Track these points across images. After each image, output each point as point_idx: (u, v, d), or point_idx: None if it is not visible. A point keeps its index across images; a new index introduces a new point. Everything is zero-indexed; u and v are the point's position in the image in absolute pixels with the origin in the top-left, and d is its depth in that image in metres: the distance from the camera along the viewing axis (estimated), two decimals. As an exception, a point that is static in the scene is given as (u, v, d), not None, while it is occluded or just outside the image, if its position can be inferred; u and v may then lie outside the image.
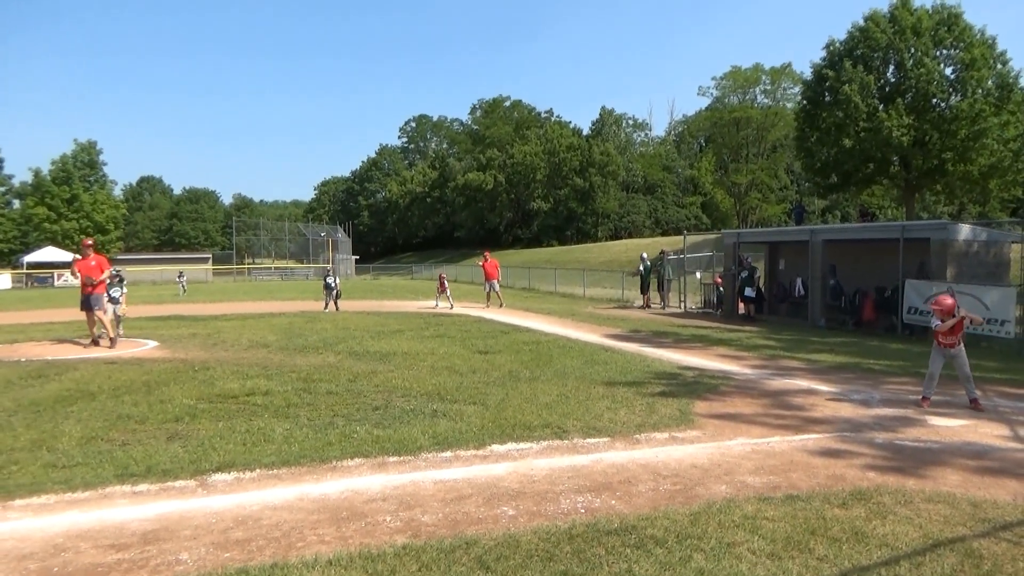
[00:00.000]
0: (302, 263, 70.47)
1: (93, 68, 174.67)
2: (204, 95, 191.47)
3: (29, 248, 60.40)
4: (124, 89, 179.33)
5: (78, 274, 12.16)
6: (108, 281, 12.50)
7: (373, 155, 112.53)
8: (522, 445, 5.74)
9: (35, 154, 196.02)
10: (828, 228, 23.92)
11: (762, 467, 5.24)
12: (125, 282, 13.99)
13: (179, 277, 36.15)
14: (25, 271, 50.56)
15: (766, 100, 69.86)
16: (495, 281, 23.25)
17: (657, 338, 14.01)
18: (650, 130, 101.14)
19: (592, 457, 5.45)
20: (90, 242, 12.93)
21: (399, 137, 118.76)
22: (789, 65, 66.30)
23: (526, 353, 11.10)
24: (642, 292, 23.53)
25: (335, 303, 20.32)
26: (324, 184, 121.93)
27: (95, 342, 12.11)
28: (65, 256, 54.95)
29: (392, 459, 5.34)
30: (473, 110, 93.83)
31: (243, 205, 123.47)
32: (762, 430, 6.44)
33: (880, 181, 39.75)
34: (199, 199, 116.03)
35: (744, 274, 19.27)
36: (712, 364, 10.58)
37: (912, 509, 4.35)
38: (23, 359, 10.54)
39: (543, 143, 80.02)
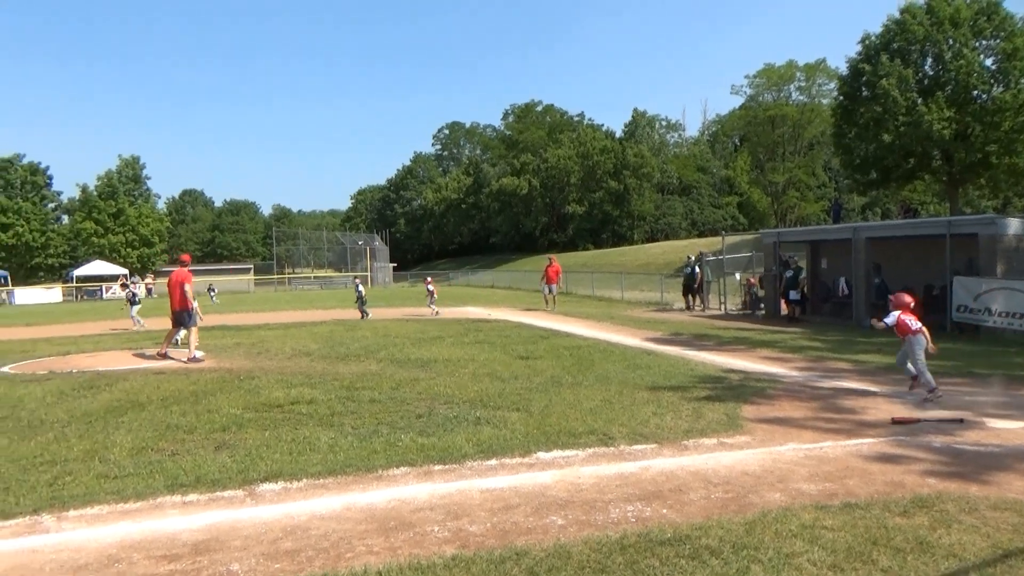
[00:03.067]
0: (340, 272, 71.21)
1: (135, 85, 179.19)
2: (241, 108, 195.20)
3: (78, 262, 62.08)
4: (165, 105, 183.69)
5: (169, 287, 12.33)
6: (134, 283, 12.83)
7: (408, 163, 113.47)
8: (568, 452, 5.67)
9: (82, 170, 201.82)
10: (871, 225, 23.41)
11: (816, 473, 5.09)
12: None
13: (210, 291, 37.36)
14: (75, 284, 51.93)
15: (801, 97, 68.55)
16: (554, 285, 23.37)
17: (699, 341, 13.81)
18: (683, 131, 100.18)
19: (640, 464, 5.35)
20: (187, 258, 13.17)
21: (433, 144, 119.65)
22: (823, 61, 65.01)
23: (567, 358, 11.02)
24: (685, 295, 23.30)
25: (361, 311, 20.46)
26: (360, 193, 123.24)
27: (164, 355, 12.10)
28: (112, 269, 56.45)
29: (437, 467, 5.31)
30: (506, 116, 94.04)
31: (282, 216, 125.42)
32: (813, 435, 6.28)
33: (922, 176, 38.79)
34: (239, 211, 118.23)
35: (789, 274, 18.92)
36: (757, 367, 10.38)
37: (978, 517, 4.17)
38: (75, 370, 10.79)
39: (576, 147, 79.85)
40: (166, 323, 13.24)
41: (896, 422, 6.63)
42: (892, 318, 8.18)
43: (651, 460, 5.46)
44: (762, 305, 20.97)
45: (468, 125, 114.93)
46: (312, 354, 11.99)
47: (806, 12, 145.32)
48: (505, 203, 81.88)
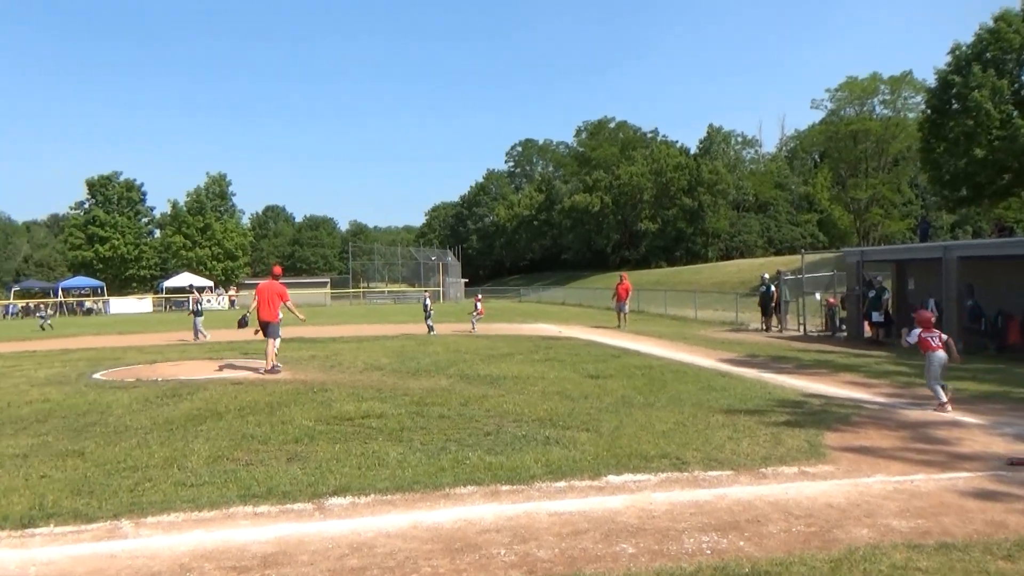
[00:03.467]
0: (414, 286, 72.33)
1: (224, 105, 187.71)
2: (322, 127, 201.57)
3: (167, 274, 65.06)
4: (251, 125, 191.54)
5: (255, 297, 12.49)
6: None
7: (481, 180, 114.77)
8: (639, 476, 5.49)
9: (173, 187, 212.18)
10: (964, 244, 22.23)
11: (907, 509, 4.77)
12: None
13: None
14: (164, 295, 54.40)
15: (886, 111, 65.84)
16: (625, 303, 23.18)
17: (777, 363, 13.34)
18: (760, 146, 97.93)
19: (715, 492, 5.13)
20: (279, 270, 13.38)
21: (506, 162, 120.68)
22: (909, 73, 62.28)
23: (639, 378, 10.80)
24: (763, 314, 22.62)
25: (429, 325, 20.60)
26: (434, 209, 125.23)
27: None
28: (199, 281, 58.88)
29: (505, 488, 5.23)
30: (578, 132, 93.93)
31: (358, 231, 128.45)
32: (903, 466, 5.90)
33: (1017, 193, 36.69)
34: (318, 226, 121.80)
35: (871, 294, 18.12)
36: (840, 392, 9.92)
37: (1094, 564, 3.80)
38: (160, 379, 11.22)
39: (649, 163, 79.10)
40: (231, 334, 13.56)
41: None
42: (914, 336, 8.74)
43: (727, 488, 5.23)
44: (843, 327, 20.14)
45: (541, 142, 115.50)
46: (383, 368, 12.12)
47: (889, 24, 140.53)
48: (577, 220, 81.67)
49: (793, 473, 5.65)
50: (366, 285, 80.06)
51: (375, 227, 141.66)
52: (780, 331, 21.80)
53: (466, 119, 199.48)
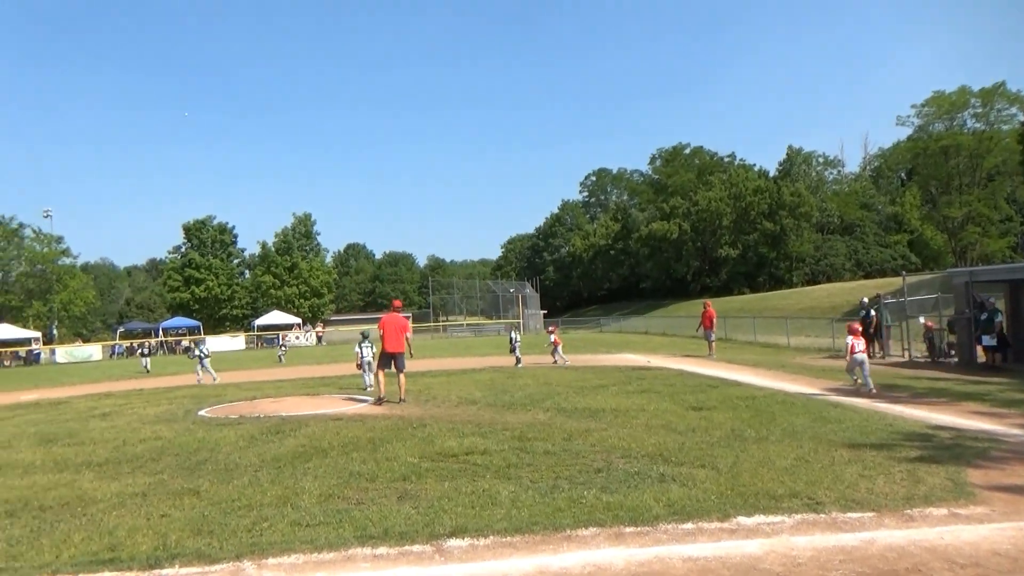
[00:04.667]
0: (491, 319, 72.66)
1: (308, 150, 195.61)
2: (399, 164, 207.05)
3: (258, 312, 67.47)
4: (333, 165, 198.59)
5: (380, 331, 12.72)
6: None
7: (556, 211, 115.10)
8: (772, 518, 5.12)
9: (262, 228, 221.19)
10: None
11: (1090, 557, 4.26)
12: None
13: (281, 343, 39.00)
14: (256, 333, 56.34)
15: (977, 124, 62.68)
16: (711, 331, 22.69)
17: (889, 392, 12.56)
18: (843, 166, 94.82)
19: (860, 536, 4.72)
20: (399, 303, 13.76)
21: (580, 192, 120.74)
22: (1002, 84, 59.08)
23: (744, 409, 10.32)
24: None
25: (516, 357, 20.49)
26: (510, 242, 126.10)
27: (380, 400, 12.49)
28: (288, 319, 60.79)
29: (628, 529, 4.96)
30: (652, 160, 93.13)
31: (436, 266, 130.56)
32: (1068, 507, 5.33)
33: None
34: (397, 262, 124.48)
35: (983, 316, 16.99)
36: (967, 423, 9.19)
37: None
38: (261, 415, 11.43)
39: (728, 188, 77.63)
40: (322, 370, 13.72)
41: None
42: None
43: (873, 532, 4.81)
44: (952, 352, 18.93)
45: (615, 171, 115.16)
46: (478, 402, 12.01)
47: (975, 35, 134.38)
48: (655, 248, 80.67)
49: (943, 515, 5.17)
50: (445, 319, 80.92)
51: (452, 261, 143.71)
52: (883, 357, 20.69)
53: (540, 150, 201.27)
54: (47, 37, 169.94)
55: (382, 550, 4.74)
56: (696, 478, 6.23)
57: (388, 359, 12.66)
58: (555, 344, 21.22)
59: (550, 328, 24.95)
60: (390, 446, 8.19)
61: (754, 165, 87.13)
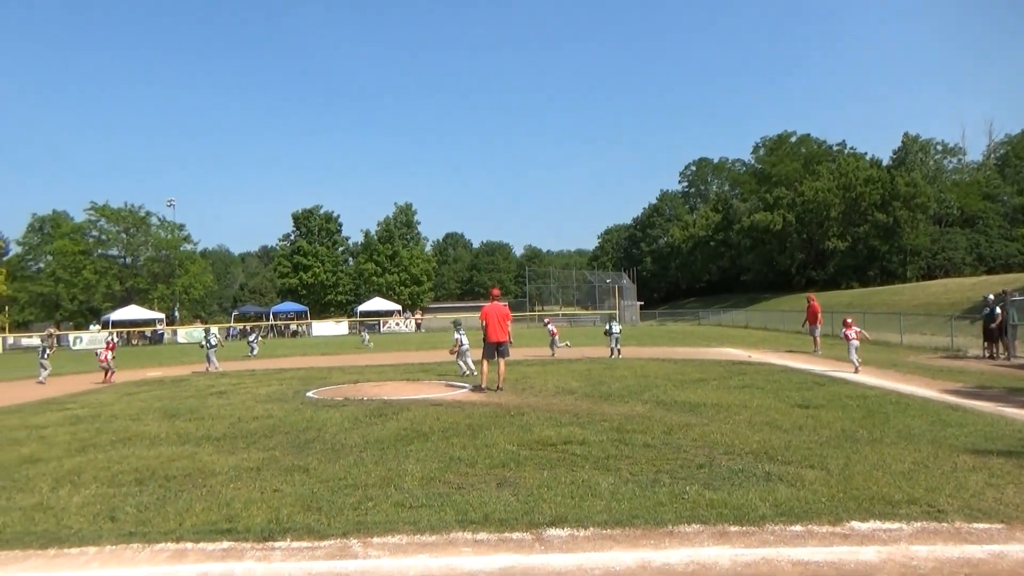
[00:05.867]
0: (587, 309, 72.34)
1: (410, 141, 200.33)
2: (497, 155, 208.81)
3: (361, 299, 69.81)
4: (434, 156, 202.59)
5: (483, 321, 12.81)
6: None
7: (654, 201, 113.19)
8: (889, 525, 4.85)
9: (365, 217, 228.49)
10: None
11: None
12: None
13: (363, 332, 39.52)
14: (358, 319, 58.31)
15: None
16: (816, 327, 21.85)
17: (1017, 396, 11.66)
18: (964, 155, 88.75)
19: (988, 549, 4.39)
20: (498, 291, 13.96)
21: (679, 182, 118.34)
22: None
23: (854, 409, 9.83)
24: (985, 340, 20.12)
25: (617, 350, 20.26)
26: (607, 232, 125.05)
27: (497, 387, 12.61)
28: (389, 306, 62.57)
29: (733, 528, 4.81)
30: (756, 149, 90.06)
31: (533, 256, 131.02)
32: None
33: None
34: (495, 251, 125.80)
35: None
36: (1112, 432, 8.41)
37: None
38: (364, 398, 11.81)
39: (836, 178, 74.14)
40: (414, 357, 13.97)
41: None
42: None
43: (1003, 545, 4.46)
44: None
45: (716, 160, 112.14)
46: (575, 392, 11.98)
47: None
48: (757, 239, 78.13)
49: (1084, 530, 4.75)
50: (541, 308, 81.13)
51: (548, 251, 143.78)
52: (1007, 359, 19.25)
53: (638, 140, 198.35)
54: (168, 36, 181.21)
55: (482, 535, 4.80)
56: (804, 479, 5.98)
57: (492, 349, 12.73)
58: (552, 335, 22.31)
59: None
60: (489, 433, 8.29)
61: (865, 154, 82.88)
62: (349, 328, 54.45)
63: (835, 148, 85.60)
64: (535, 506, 5.35)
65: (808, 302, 22.87)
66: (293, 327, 56.16)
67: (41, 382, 18.68)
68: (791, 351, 21.64)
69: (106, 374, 18.86)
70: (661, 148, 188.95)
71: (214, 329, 26.94)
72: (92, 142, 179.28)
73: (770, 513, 5.06)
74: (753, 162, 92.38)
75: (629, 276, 78.70)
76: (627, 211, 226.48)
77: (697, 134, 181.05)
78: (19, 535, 5.15)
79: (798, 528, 4.79)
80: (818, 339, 21.79)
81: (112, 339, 23.50)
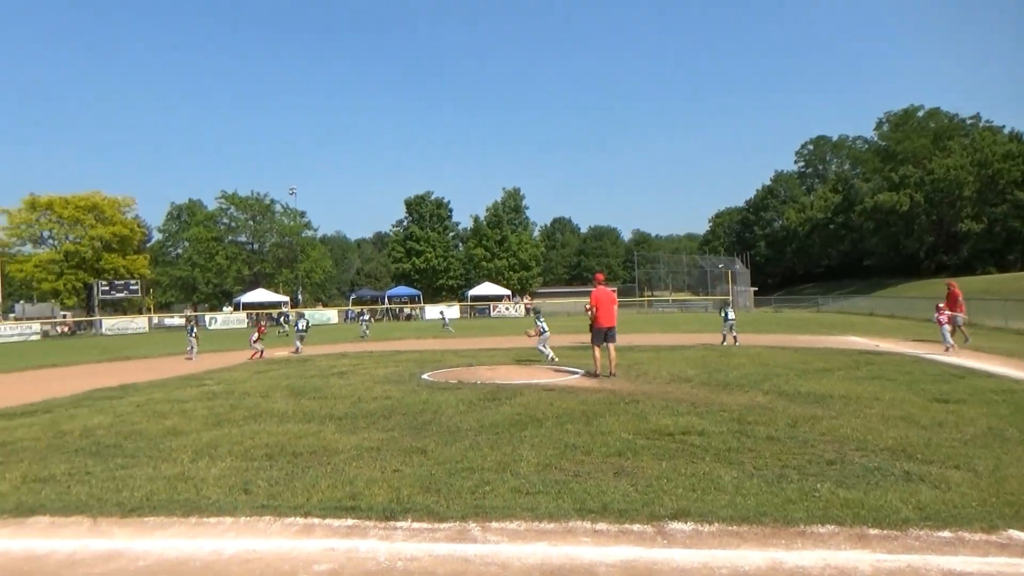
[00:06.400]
0: (698, 295, 70.60)
1: (518, 126, 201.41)
2: (603, 139, 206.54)
3: (471, 283, 71.03)
4: (542, 141, 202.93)
5: (591, 307, 12.64)
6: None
7: (768, 183, 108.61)
8: (1053, 535, 4.40)
9: (474, 203, 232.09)
10: None
11: None
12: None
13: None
14: (469, 303, 59.43)
15: None
16: (956, 315, 20.27)
17: None
18: (1122, 126, 79.86)
19: None
20: (602, 276, 13.91)
21: (795, 162, 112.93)
22: None
23: (1001, 405, 9.02)
24: None
25: (733, 336, 19.70)
26: (718, 216, 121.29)
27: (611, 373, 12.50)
28: (498, 290, 63.34)
29: (873, 532, 4.48)
30: (879, 125, 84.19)
31: (641, 240, 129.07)
32: None
33: None
34: (602, 236, 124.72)
35: None
36: None
37: None
38: (478, 381, 11.95)
39: (970, 154, 68.59)
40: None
41: None
42: None
43: None
44: None
45: (835, 138, 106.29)
46: (691, 380, 11.64)
47: None
48: (881, 221, 73.56)
49: None
50: (650, 293, 79.90)
51: (656, 236, 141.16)
52: None
53: (751, 119, 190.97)
54: (287, 37, 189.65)
55: (602, 525, 4.71)
56: (950, 480, 5.52)
57: (603, 334, 12.59)
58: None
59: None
60: (603, 420, 8.17)
61: (1003, 127, 76.17)
62: (461, 312, 55.53)
63: (968, 122, 79.13)
64: (655, 497, 5.21)
65: (949, 288, 21.25)
66: (407, 311, 57.85)
67: (190, 359, 20.42)
68: (920, 340, 20.23)
69: (255, 354, 20.55)
70: (775, 127, 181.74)
71: (307, 315, 28.43)
72: (223, 135, 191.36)
73: (913, 516, 4.69)
74: (876, 139, 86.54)
75: (742, 261, 76.19)
76: (739, 193, 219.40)
77: (814, 111, 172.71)
78: (164, 502, 5.50)
79: (946, 534, 4.42)
80: (962, 329, 20.18)
81: (262, 323, 25.12)
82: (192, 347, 21.48)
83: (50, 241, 59.26)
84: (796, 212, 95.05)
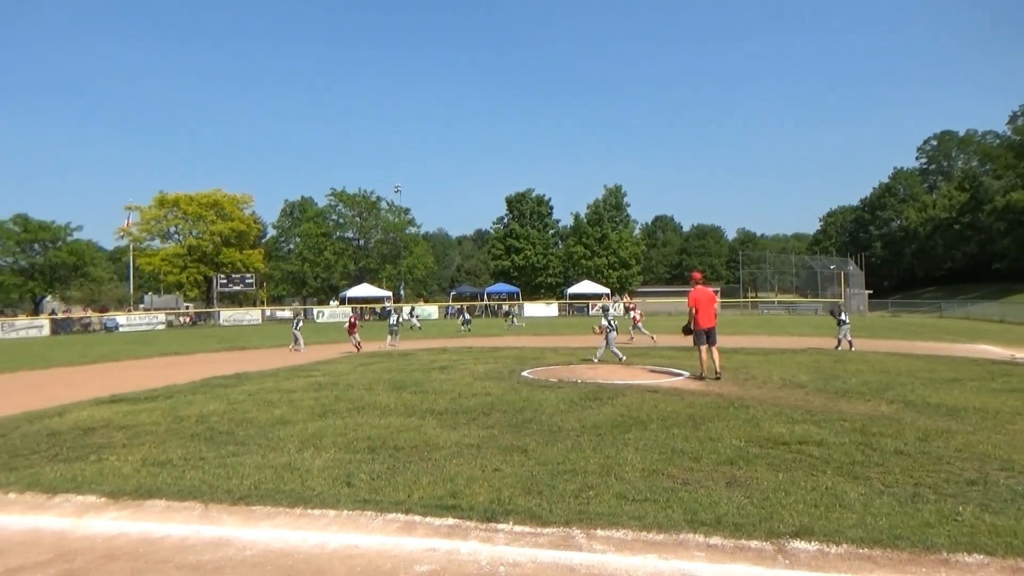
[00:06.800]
0: (805, 297, 67.66)
1: (619, 124, 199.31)
2: (707, 136, 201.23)
3: (570, 281, 70.78)
4: (643, 138, 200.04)
5: (693, 307, 12.21)
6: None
7: (886, 180, 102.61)
8: None
9: (575, 200, 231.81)
10: None
11: None
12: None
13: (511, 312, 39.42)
14: (567, 301, 59.23)
15: None
16: None
17: None
18: None
19: None
20: (700, 275, 13.51)
21: (916, 158, 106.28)
22: None
23: None
24: None
25: (848, 341, 18.71)
26: (830, 215, 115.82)
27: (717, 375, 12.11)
28: (598, 288, 62.81)
29: (1028, 564, 3.98)
30: (1013, 118, 77.88)
31: (746, 239, 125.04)
32: None
33: None
34: (705, 235, 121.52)
35: None
36: None
37: None
38: (579, 380, 11.72)
39: None
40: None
41: None
42: None
43: None
44: None
45: (962, 133, 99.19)
46: (805, 386, 10.97)
47: None
48: (1014, 222, 68.17)
49: None
50: (754, 295, 77.28)
51: (762, 235, 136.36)
52: None
53: (866, 113, 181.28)
54: (395, 35, 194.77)
55: (716, 540, 4.39)
56: (1119, 510, 4.87)
57: (704, 334, 12.15)
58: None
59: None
60: (712, 425, 7.77)
61: None
62: (559, 310, 55.38)
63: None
64: (773, 512, 4.83)
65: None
66: (505, 307, 58.21)
67: (298, 350, 21.31)
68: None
69: (357, 346, 21.57)
70: (893, 121, 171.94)
71: (406, 310, 29.22)
72: (334, 135, 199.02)
73: (1078, 550, 4.13)
74: (1009, 133, 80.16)
75: (856, 262, 72.46)
76: (853, 192, 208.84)
77: (937, 105, 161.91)
78: (271, 492, 5.58)
79: (1120, 573, 3.86)
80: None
81: (353, 316, 25.89)
82: (297, 339, 22.34)
83: (175, 236, 63.25)
84: (917, 211, 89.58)
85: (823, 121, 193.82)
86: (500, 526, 4.70)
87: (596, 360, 14.74)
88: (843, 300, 52.42)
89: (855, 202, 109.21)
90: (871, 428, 7.57)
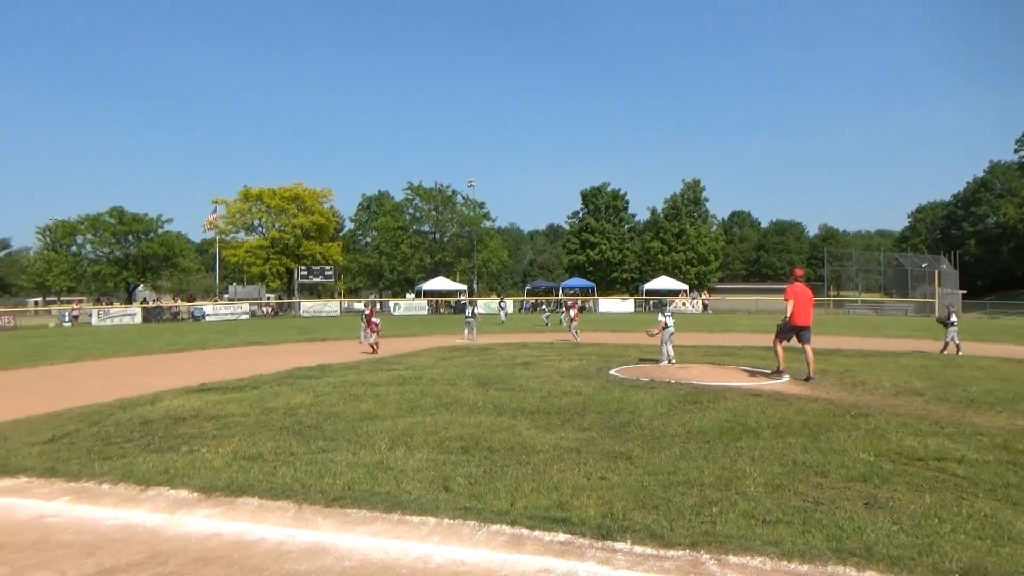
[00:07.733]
0: (891, 296, 64.51)
1: (697, 118, 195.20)
2: (787, 129, 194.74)
3: (646, 277, 69.53)
4: (724, 132, 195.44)
5: (790, 302, 11.68)
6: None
7: (981, 175, 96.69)
8: None
9: (652, 195, 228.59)
10: None
11: None
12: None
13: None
14: (644, 297, 58.15)
15: None
16: None
17: None
18: None
19: None
20: (801, 272, 12.97)
21: (1016, 151, 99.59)
22: None
23: None
24: None
25: (956, 345, 17.46)
26: (919, 211, 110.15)
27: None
28: (674, 284, 61.48)
29: None
30: None
31: (828, 236, 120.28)
32: None
33: None
34: (785, 231, 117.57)
35: None
36: None
37: None
38: (672, 380, 11.14)
39: None
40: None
41: None
42: None
43: None
44: None
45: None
46: (923, 394, 10.08)
47: None
48: None
49: None
50: (836, 293, 74.19)
51: (845, 231, 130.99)
52: None
53: (959, 103, 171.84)
54: (470, 31, 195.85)
55: (870, 574, 3.83)
56: None
57: (792, 332, 11.69)
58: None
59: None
60: (831, 435, 7.11)
61: None
62: (634, 306, 54.42)
63: None
64: (932, 544, 4.20)
65: None
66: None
67: (365, 342, 20.56)
68: None
69: (373, 347, 18.51)
70: (989, 112, 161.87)
71: (494, 302, 28.97)
72: (411, 128, 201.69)
73: None
74: None
75: (950, 260, 68.66)
76: (943, 187, 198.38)
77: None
78: (365, 494, 5.29)
79: None
80: None
81: (369, 309, 21.47)
82: (363, 329, 19.93)
83: (259, 229, 65.04)
84: (1016, 207, 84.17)
85: (910, 112, 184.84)
86: (618, 545, 4.25)
87: (672, 360, 13.98)
88: (937, 300, 49.59)
89: (946, 198, 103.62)
90: (1015, 445, 6.76)
